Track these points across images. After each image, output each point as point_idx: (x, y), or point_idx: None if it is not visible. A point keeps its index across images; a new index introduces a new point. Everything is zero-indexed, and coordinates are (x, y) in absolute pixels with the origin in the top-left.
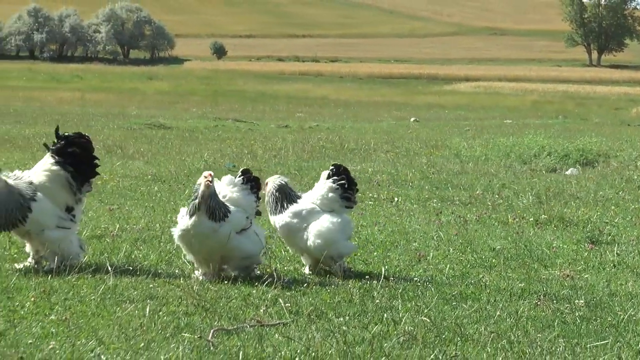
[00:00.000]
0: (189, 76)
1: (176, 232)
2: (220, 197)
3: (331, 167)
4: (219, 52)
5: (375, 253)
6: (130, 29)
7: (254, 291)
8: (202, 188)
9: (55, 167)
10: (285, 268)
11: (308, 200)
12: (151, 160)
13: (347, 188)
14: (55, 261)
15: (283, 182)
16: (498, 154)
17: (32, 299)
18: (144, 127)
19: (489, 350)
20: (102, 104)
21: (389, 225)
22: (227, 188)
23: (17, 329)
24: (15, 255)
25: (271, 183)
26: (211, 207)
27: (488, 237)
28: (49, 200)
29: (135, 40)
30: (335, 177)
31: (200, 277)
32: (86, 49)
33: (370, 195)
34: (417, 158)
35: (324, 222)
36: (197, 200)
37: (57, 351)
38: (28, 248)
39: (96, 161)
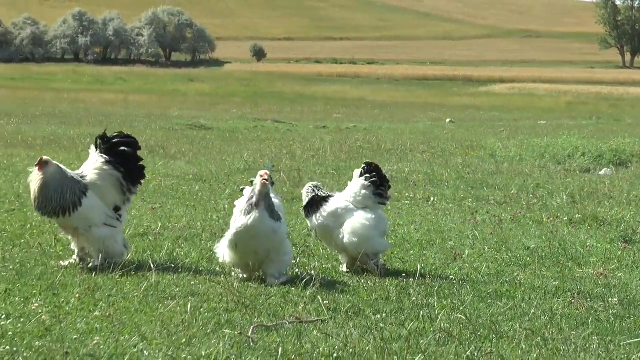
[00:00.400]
0: (229, 78)
1: (231, 231)
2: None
3: (363, 165)
4: (259, 54)
5: (411, 251)
6: (172, 32)
7: (293, 289)
8: (258, 187)
9: (106, 167)
10: (324, 266)
11: (342, 199)
12: (192, 160)
13: (379, 185)
14: (100, 259)
15: (315, 185)
16: (532, 155)
17: (77, 296)
18: (185, 128)
19: (524, 347)
20: (144, 105)
21: (425, 224)
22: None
23: (62, 325)
24: (60, 253)
25: (305, 187)
26: (270, 206)
27: (523, 236)
28: (98, 198)
29: (177, 43)
30: (367, 175)
31: (240, 275)
32: (129, 51)
33: (407, 194)
34: (453, 158)
35: (359, 219)
36: (254, 199)
37: (102, 346)
38: (73, 245)
39: (142, 162)
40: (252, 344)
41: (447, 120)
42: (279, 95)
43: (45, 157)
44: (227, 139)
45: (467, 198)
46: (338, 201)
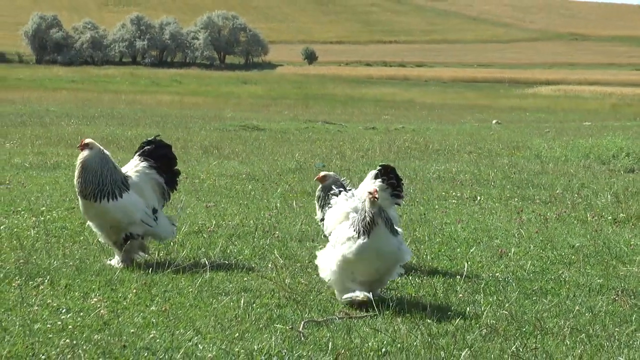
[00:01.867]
0: (281, 80)
1: (345, 251)
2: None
3: (379, 168)
4: (310, 57)
5: (458, 249)
6: (226, 36)
7: None
8: (368, 206)
9: (150, 171)
10: None
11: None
12: (245, 160)
13: (396, 186)
14: (130, 258)
15: (336, 177)
16: (577, 155)
17: (134, 291)
18: (238, 129)
19: (568, 343)
20: (199, 106)
21: (472, 223)
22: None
23: (120, 319)
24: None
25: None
26: (388, 222)
27: (567, 234)
28: (138, 196)
29: (231, 47)
30: (384, 177)
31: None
32: (185, 55)
33: (454, 194)
34: (499, 159)
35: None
36: (368, 219)
37: (157, 340)
38: (103, 239)
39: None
40: (302, 338)
41: (494, 121)
42: (330, 97)
43: (88, 139)
44: (278, 139)
45: (513, 197)
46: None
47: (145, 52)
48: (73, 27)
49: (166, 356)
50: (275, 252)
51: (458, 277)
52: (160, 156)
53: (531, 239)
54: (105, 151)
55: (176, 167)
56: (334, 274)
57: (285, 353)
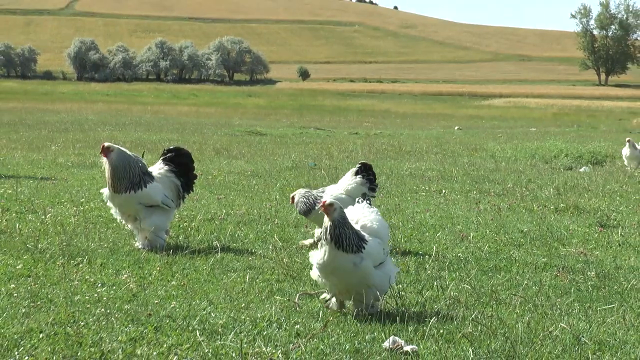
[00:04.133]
0: (280, 94)
1: (315, 261)
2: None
3: (359, 165)
4: (304, 75)
5: (427, 233)
6: (234, 57)
7: None
8: (325, 219)
9: (169, 174)
10: None
11: (337, 191)
12: (250, 160)
13: (372, 180)
14: (147, 243)
15: (307, 190)
16: (525, 155)
17: (158, 269)
18: (244, 134)
19: (518, 311)
20: (212, 115)
21: (438, 212)
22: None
23: (146, 292)
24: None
25: (297, 195)
26: (342, 236)
27: (517, 221)
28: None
29: (238, 66)
30: (364, 173)
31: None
32: (200, 72)
33: (423, 187)
34: (460, 158)
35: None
36: (323, 234)
37: (177, 309)
38: (129, 227)
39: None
40: (298, 308)
41: (456, 127)
42: (320, 108)
43: (107, 143)
44: (278, 142)
45: (472, 190)
46: (337, 195)
47: (167, 71)
48: (108, 50)
49: (184, 323)
50: (275, 236)
51: (427, 256)
52: (180, 163)
53: (487, 225)
54: (122, 148)
55: (194, 172)
56: (317, 276)
57: (283, 320)
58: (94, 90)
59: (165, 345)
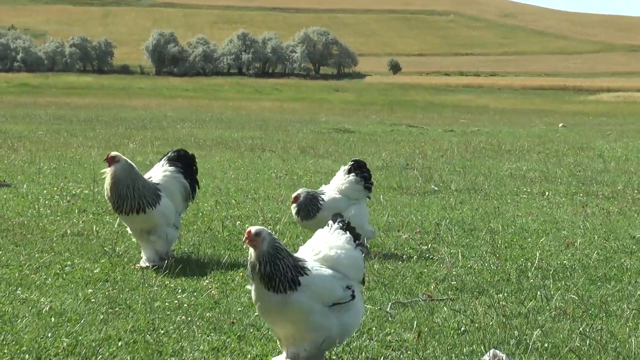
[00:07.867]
0: (369, 88)
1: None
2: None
3: (351, 163)
4: (395, 68)
5: (529, 239)
6: (321, 50)
7: (425, 270)
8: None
9: (177, 175)
10: (452, 251)
11: (332, 192)
12: (338, 159)
13: (367, 179)
14: (152, 260)
15: (308, 191)
16: (637, 155)
17: (241, 274)
18: (331, 132)
19: (631, 324)
20: (297, 112)
21: (541, 216)
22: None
23: (229, 299)
24: (227, 237)
25: (301, 194)
26: (269, 274)
27: (629, 226)
28: (169, 199)
29: (325, 59)
30: (357, 171)
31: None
32: (284, 66)
33: (525, 189)
34: (565, 158)
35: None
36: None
37: (261, 318)
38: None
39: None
40: (390, 318)
41: (560, 124)
42: (412, 104)
43: (113, 153)
44: (367, 141)
45: (578, 193)
46: (334, 196)
47: (249, 64)
48: (187, 42)
49: (269, 332)
50: (365, 241)
51: (529, 264)
52: (186, 164)
53: (595, 230)
54: (130, 162)
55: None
56: None
57: (374, 330)
58: (173, 85)
59: (249, 356)
